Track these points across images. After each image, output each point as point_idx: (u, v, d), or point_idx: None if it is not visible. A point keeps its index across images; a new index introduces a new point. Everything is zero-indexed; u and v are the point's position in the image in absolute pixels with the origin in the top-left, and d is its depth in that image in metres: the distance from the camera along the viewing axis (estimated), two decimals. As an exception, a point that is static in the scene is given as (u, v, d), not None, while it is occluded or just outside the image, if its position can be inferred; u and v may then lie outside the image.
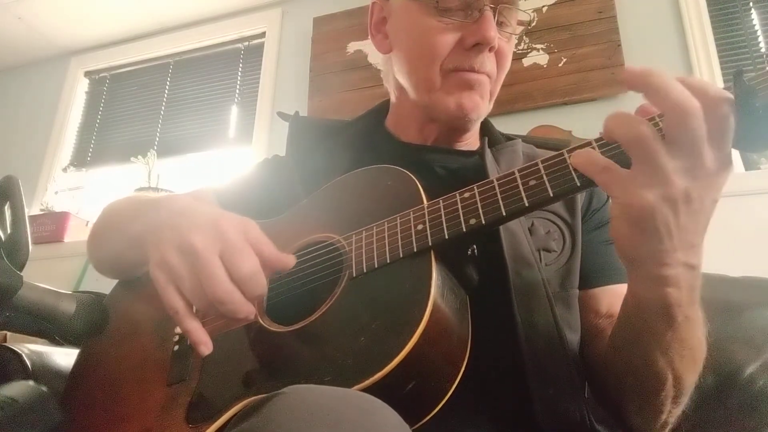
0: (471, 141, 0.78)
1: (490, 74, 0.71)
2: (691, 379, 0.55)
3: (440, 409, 0.47)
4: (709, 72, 1.79)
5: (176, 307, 0.49)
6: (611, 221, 0.46)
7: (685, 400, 0.57)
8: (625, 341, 0.55)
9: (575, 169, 0.47)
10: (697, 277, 0.47)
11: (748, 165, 1.72)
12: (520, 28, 0.73)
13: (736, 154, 1.72)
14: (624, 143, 0.43)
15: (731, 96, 0.42)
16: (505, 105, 1.94)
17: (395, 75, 0.78)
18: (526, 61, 2.02)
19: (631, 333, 0.53)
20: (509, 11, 0.70)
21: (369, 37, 0.81)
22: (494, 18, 0.67)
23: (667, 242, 0.44)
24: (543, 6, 2.06)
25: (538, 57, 2.01)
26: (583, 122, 1.85)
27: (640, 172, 0.42)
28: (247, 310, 0.49)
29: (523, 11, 0.72)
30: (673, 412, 0.57)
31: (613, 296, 0.67)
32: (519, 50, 2.03)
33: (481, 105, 0.71)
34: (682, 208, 0.42)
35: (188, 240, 0.48)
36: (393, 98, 0.82)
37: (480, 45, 0.67)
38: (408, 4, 0.73)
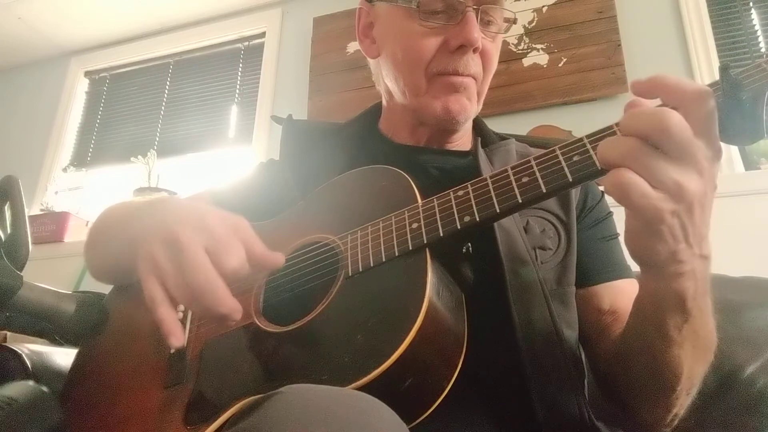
0: (462, 142, 0.78)
1: (476, 76, 0.71)
2: (703, 370, 0.56)
3: (438, 407, 0.47)
4: (709, 72, 1.78)
5: (154, 295, 0.47)
6: (626, 230, 0.46)
7: (695, 391, 0.57)
8: (639, 338, 0.55)
9: (567, 165, 0.47)
10: (709, 267, 0.48)
11: (748, 165, 1.72)
12: (506, 26, 0.73)
13: (735, 153, 1.72)
14: (633, 168, 0.42)
15: (708, 89, 0.43)
16: (505, 105, 1.94)
17: (384, 79, 0.78)
18: (526, 61, 2.02)
19: (646, 330, 0.53)
20: (494, 10, 0.70)
21: (357, 42, 0.81)
22: (477, 19, 0.68)
23: (684, 242, 0.44)
24: (543, 6, 2.06)
25: (538, 57, 2.01)
26: (583, 122, 1.85)
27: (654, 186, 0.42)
28: (231, 304, 0.47)
29: (508, 10, 0.72)
30: (684, 404, 0.58)
31: (614, 292, 0.68)
32: (519, 50, 2.03)
33: (468, 107, 0.71)
34: (697, 207, 0.43)
35: (173, 232, 0.48)
36: (384, 101, 0.82)
37: (464, 47, 0.68)
38: (391, 9, 0.73)
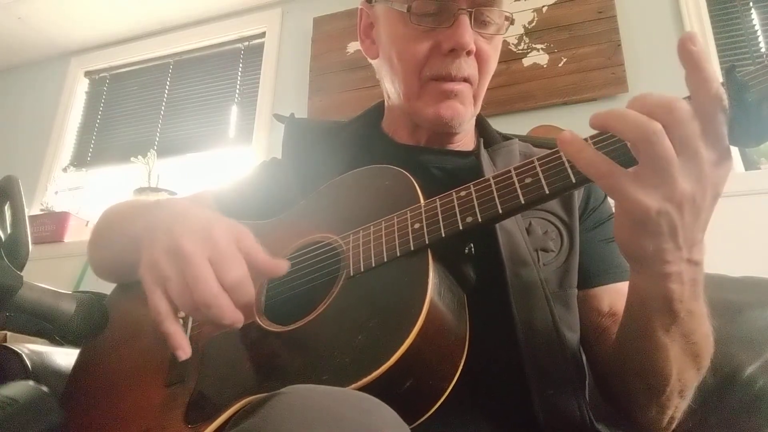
0: (464, 142, 0.78)
1: (471, 79, 0.69)
2: (695, 373, 0.55)
3: (439, 407, 0.47)
4: (709, 72, 1.78)
5: (159, 308, 0.48)
6: (614, 221, 0.46)
7: (690, 394, 0.57)
8: (629, 338, 0.55)
9: (571, 166, 0.47)
10: (699, 272, 0.47)
11: (748, 165, 1.72)
12: (506, 25, 0.71)
13: (735, 153, 1.72)
14: (639, 147, 0.42)
15: (722, 92, 0.42)
16: (505, 105, 1.94)
17: (383, 79, 0.78)
18: (526, 61, 2.01)
19: (634, 329, 0.54)
20: (491, 11, 0.69)
21: (359, 42, 0.81)
22: (471, 21, 0.66)
23: (672, 242, 0.44)
24: (543, 6, 2.06)
25: (538, 57, 2.01)
26: (583, 122, 1.83)
27: (647, 176, 0.42)
28: (233, 316, 0.48)
29: (503, 11, 0.70)
30: (679, 407, 0.57)
31: (614, 294, 0.68)
32: (519, 50, 2.03)
33: (462, 112, 0.70)
34: (687, 209, 0.43)
35: (178, 243, 0.48)
36: (386, 101, 0.82)
37: (455, 50, 0.67)
38: (388, 11, 0.73)
